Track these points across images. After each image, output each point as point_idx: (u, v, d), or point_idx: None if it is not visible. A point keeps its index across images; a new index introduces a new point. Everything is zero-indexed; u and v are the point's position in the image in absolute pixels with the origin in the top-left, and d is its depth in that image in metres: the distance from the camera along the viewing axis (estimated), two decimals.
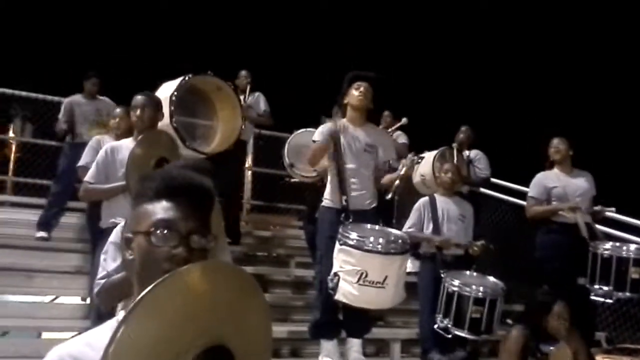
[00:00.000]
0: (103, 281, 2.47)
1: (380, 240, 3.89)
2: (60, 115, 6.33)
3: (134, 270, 1.30)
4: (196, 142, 5.00)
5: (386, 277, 3.82)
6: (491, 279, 4.56)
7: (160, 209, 1.28)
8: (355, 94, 4.31)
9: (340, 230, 3.97)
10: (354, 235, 3.89)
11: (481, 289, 4.35)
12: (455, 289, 4.35)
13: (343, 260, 3.89)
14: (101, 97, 6.42)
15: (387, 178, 4.34)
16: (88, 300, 4.94)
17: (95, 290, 2.50)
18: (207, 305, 1.04)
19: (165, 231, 1.26)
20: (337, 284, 3.88)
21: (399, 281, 3.94)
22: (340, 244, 3.92)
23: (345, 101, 4.38)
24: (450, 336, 4.39)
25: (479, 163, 6.57)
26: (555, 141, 5.25)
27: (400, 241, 3.98)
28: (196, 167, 2.46)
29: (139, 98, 3.91)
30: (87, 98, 6.36)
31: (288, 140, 6.01)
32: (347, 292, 3.86)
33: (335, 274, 3.91)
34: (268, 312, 1.18)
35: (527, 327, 3.79)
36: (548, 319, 3.77)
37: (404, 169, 4.24)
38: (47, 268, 5.23)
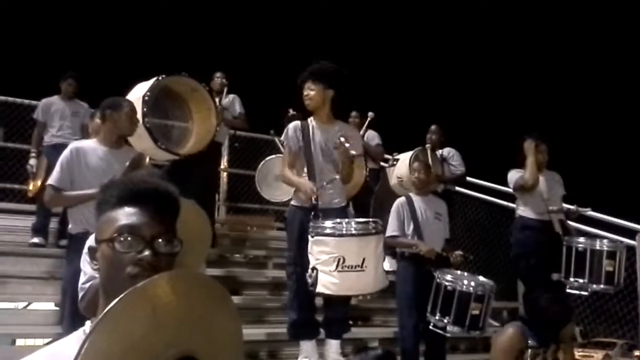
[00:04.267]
0: (88, 284, 2.38)
1: (353, 223, 3.89)
2: (36, 115, 6.26)
3: (100, 281, 1.28)
4: (171, 144, 4.98)
5: (364, 259, 3.79)
6: (480, 277, 4.56)
7: (123, 215, 1.26)
8: (304, 96, 4.26)
9: (311, 224, 3.93)
10: (328, 223, 3.87)
11: (479, 286, 4.32)
12: (455, 286, 4.28)
13: (318, 252, 3.85)
14: (80, 101, 6.35)
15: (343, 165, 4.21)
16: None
17: (80, 295, 2.43)
18: (174, 315, 1.03)
19: (129, 237, 1.23)
20: (316, 278, 3.83)
21: (378, 263, 3.90)
22: (313, 236, 3.88)
23: None
24: (448, 334, 4.38)
25: (453, 160, 6.59)
26: (543, 147, 5.28)
27: (371, 222, 3.97)
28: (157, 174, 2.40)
29: (115, 102, 3.82)
30: (64, 99, 6.28)
31: (256, 177, 6.01)
32: (327, 282, 3.81)
33: (313, 269, 3.86)
34: (238, 319, 1.17)
35: (530, 328, 3.80)
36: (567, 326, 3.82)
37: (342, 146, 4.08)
38: (20, 274, 5.14)
